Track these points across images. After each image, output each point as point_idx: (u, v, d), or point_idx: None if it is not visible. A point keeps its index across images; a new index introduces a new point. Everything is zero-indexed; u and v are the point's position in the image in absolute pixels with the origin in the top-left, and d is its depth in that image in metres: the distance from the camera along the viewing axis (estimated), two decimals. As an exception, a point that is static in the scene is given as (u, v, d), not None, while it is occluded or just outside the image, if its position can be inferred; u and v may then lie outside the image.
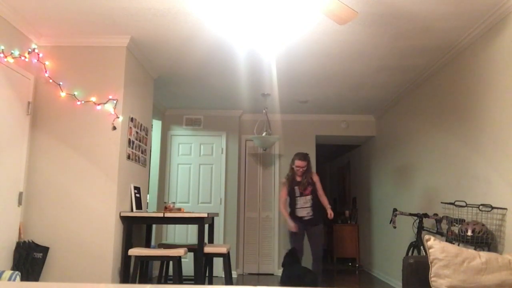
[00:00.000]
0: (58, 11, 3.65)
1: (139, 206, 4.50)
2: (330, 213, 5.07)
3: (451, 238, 3.69)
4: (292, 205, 5.11)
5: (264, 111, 6.25)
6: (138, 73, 4.61)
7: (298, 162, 5.07)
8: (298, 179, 5.12)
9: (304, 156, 5.11)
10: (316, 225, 5.03)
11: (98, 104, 4.10)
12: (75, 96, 4.11)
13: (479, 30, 3.74)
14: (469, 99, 3.99)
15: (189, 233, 6.80)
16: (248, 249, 7.01)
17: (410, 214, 4.58)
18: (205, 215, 4.10)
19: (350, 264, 8.52)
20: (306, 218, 5.01)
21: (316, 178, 5.17)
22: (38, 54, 4.07)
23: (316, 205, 5.08)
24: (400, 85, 5.52)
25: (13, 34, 3.74)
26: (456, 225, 3.72)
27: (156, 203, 6.68)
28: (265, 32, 3.99)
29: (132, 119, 4.40)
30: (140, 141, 4.66)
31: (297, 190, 5.08)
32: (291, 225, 4.98)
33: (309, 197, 5.07)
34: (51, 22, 3.87)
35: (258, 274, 6.91)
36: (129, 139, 4.34)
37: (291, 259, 4.68)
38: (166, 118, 7.03)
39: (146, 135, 4.91)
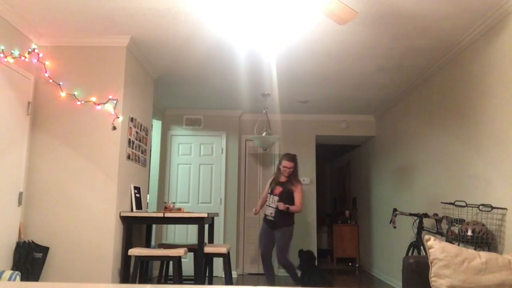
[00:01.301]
0: (58, 11, 3.65)
1: (139, 206, 4.50)
2: (283, 206, 4.87)
3: (451, 238, 3.69)
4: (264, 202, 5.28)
5: (264, 111, 6.25)
6: (138, 73, 4.61)
7: (285, 163, 5.06)
8: (283, 179, 5.10)
9: (292, 157, 5.07)
10: (276, 228, 4.96)
11: (98, 104, 4.10)
12: (75, 96, 4.11)
13: (479, 30, 3.74)
14: (469, 99, 3.99)
15: (189, 233, 6.80)
16: (248, 249, 7.01)
17: (410, 214, 4.58)
18: (205, 215, 4.10)
19: (350, 264, 8.52)
20: (268, 218, 5.05)
21: (297, 188, 5.01)
22: (38, 54, 4.07)
23: (282, 210, 4.92)
24: (400, 85, 5.52)
25: (13, 34, 3.74)
26: (456, 225, 3.72)
27: (156, 203, 6.68)
28: (265, 32, 3.99)
29: (132, 119, 4.40)
30: (140, 141, 4.66)
31: (273, 188, 5.10)
32: (255, 208, 5.26)
33: (276, 197, 5.02)
34: (51, 22, 3.87)
35: (258, 274, 6.91)
36: (129, 139, 4.34)
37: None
38: (166, 118, 7.03)
39: (146, 135, 4.91)
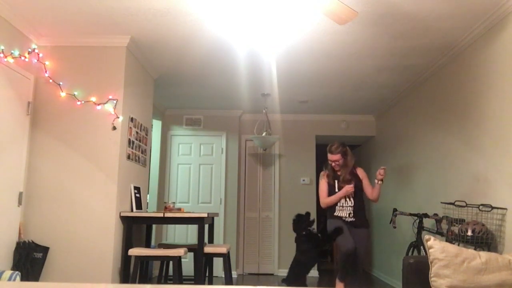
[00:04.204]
0: (58, 11, 3.65)
1: (139, 206, 4.50)
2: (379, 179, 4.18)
3: (451, 238, 3.69)
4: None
5: (264, 111, 6.25)
6: (138, 73, 4.61)
7: (329, 156, 4.32)
8: (340, 173, 4.33)
9: (335, 148, 4.30)
10: (360, 228, 4.20)
11: (98, 104, 4.10)
12: (75, 96, 4.11)
13: (479, 30, 3.73)
14: (469, 99, 3.99)
15: (189, 233, 6.80)
16: (248, 249, 7.01)
17: (410, 214, 4.58)
18: (205, 215, 4.10)
19: (350, 264, 8.50)
20: (347, 220, 4.20)
21: (361, 173, 4.36)
22: (38, 54, 4.07)
23: (360, 206, 4.25)
24: (400, 85, 5.52)
25: (13, 34, 3.74)
26: (456, 225, 3.72)
27: (156, 203, 6.68)
28: (265, 32, 3.99)
29: (132, 119, 4.40)
30: (140, 141, 4.66)
31: (337, 184, 4.28)
32: (348, 188, 4.20)
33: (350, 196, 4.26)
34: (51, 22, 3.87)
35: (258, 274, 6.91)
36: (129, 139, 4.34)
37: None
38: (166, 118, 7.03)
39: (146, 135, 4.91)
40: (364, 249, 4.22)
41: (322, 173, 4.47)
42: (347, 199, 4.24)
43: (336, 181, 4.30)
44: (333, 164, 4.32)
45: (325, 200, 4.31)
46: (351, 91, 5.84)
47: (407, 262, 2.84)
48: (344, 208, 4.23)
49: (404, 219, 5.45)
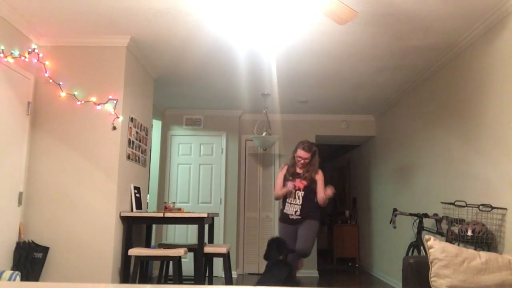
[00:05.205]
0: (58, 11, 3.65)
1: (139, 206, 4.50)
2: (328, 193, 4.30)
3: (451, 238, 3.69)
4: (284, 198, 4.48)
5: (264, 111, 6.25)
6: (138, 73, 4.61)
7: (300, 152, 4.35)
8: (299, 171, 4.39)
9: (309, 147, 4.34)
10: (305, 220, 4.32)
11: (98, 104, 4.10)
12: (75, 96, 4.11)
13: (479, 30, 3.74)
14: (469, 99, 4.00)
15: (189, 233, 6.80)
16: (248, 249, 7.01)
17: (410, 214, 4.58)
18: (205, 215, 4.10)
19: (350, 264, 8.52)
20: (292, 218, 4.34)
21: (319, 176, 4.41)
22: (38, 54, 4.07)
23: (309, 206, 4.35)
24: (400, 85, 5.52)
25: (13, 34, 3.74)
26: (456, 225, 3.72)
27: (156, 203, 6.68)
28: (265, 32, 3.99)
29: (132, 119, 4.40)
30: (140, 141, 4.66)
31: (290, 182, 4.37)
32: (290, 185, 4.33)
33: (300, 193, 4.32)
34: (51, 22, 3.87)
35: (258, 274, 6.90)
36: (129, 139, 4.34)
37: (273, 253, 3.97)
38: (166, 118, 7.03)
39: (146, 135, 4.91)
40: (305, 232, 4.24)
41: (283, 165, 4.67)
42: (297, 198, 4.37)
43: (291, 178, 4.42)
44: (301, 161, 4.39)
45: (276, 193, 4.54)
46: (351, 91, 5.84)
47: (407, 262, 2.84)
48: (292, 205, 4.39)
49: (404, 219, 5.45)
